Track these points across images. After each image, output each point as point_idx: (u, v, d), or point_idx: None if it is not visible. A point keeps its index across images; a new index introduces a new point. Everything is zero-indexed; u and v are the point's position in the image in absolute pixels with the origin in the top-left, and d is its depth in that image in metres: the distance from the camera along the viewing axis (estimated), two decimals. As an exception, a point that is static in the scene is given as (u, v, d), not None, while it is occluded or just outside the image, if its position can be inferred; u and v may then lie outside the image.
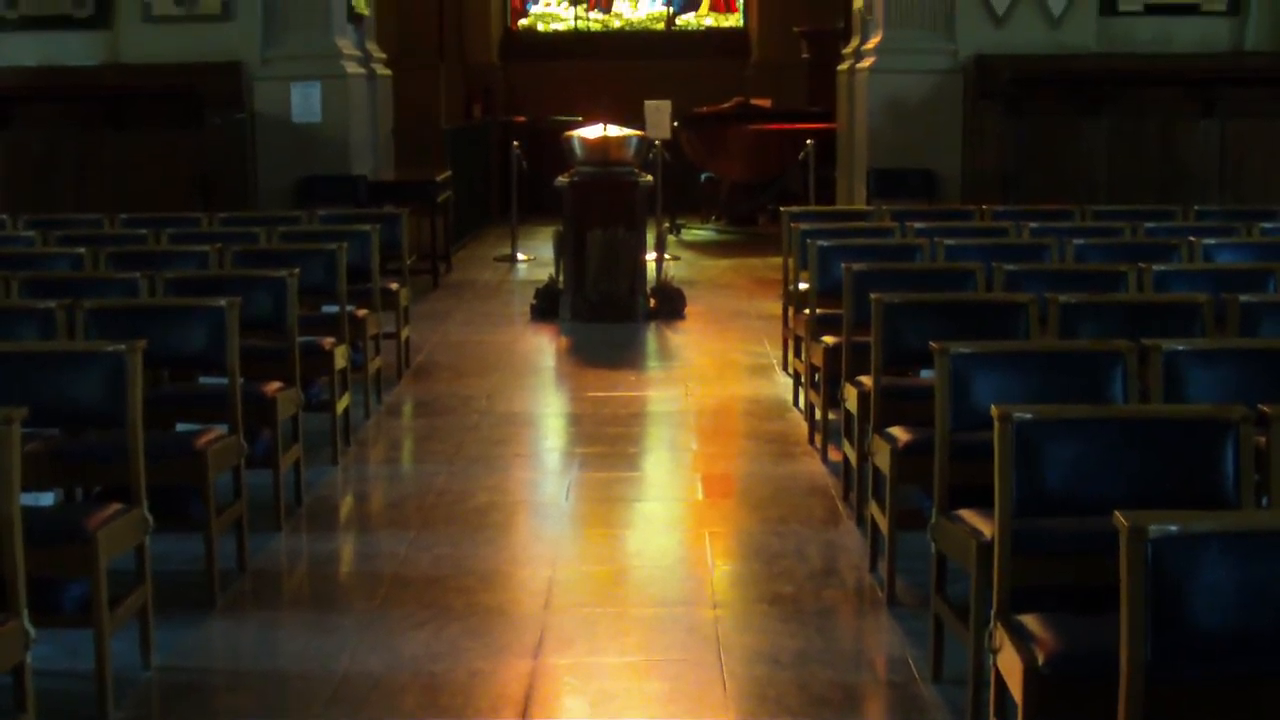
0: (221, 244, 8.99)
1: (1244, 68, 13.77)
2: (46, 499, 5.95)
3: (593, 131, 12.70)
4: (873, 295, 6.62)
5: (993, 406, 4.50)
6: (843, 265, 7.63)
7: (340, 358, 8.48)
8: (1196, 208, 10.95)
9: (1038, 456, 4.47)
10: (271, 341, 7.78)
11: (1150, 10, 13.96)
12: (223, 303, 6.72)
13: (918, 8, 13.89)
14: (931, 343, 5.42)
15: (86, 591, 5.17)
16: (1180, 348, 5.52)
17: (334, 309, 8.86)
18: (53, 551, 5.07)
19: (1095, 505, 4.39)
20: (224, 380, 6.79)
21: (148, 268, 8.04)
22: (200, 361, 7.00)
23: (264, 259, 8.70)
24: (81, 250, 8.86)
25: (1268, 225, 9.89)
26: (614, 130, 12.66)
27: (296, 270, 7.71)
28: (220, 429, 6.63)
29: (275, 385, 7.30)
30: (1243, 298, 6.67)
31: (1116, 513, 3.54)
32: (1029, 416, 4.47)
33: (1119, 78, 13.48)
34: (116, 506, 5.42)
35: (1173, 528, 3.50)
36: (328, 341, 8.37)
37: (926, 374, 6.57)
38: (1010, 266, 7.62)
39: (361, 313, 9.33)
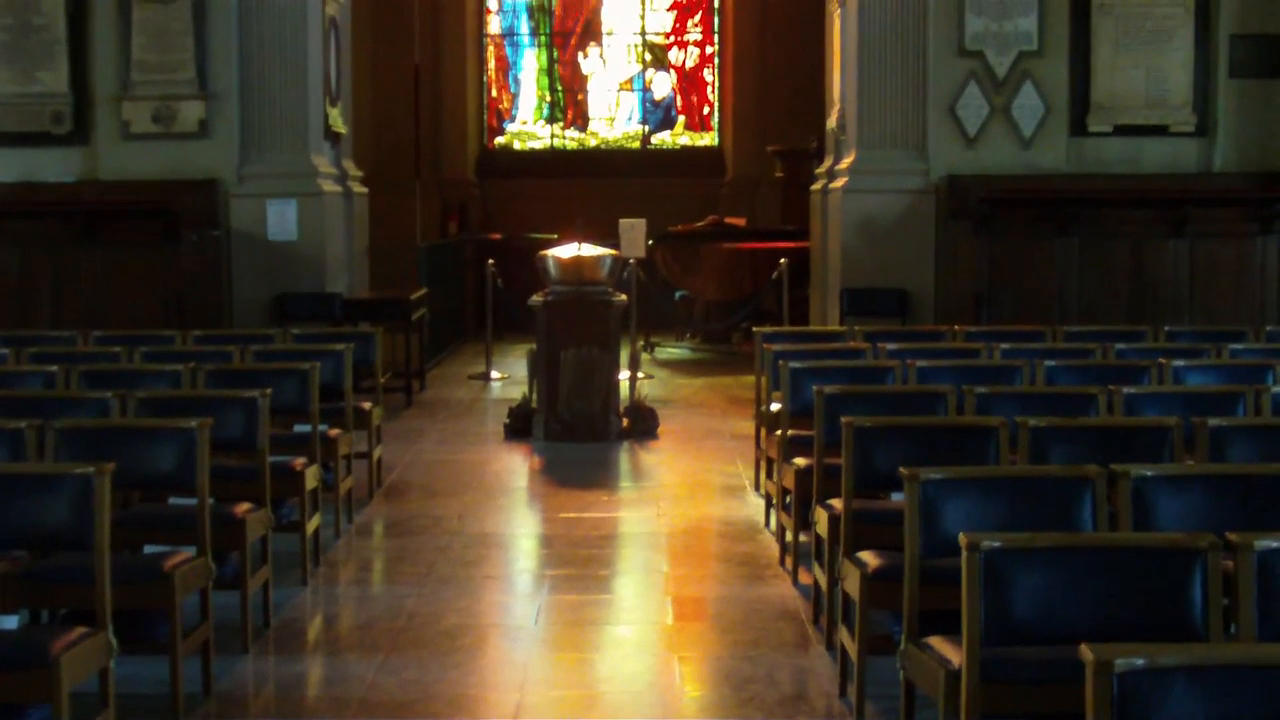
0: (195, 363, 8.99)
1: (1212, 188, 13.93)
2: (10, 622, 5.91)
3: (567, 251, 12.75)
4: (843, 419, 6.63)
5: (961, 535, 4.50)
6: (814, 388, 7.65)
7: (311, 478, 8.45)
8: (1167, 328, 11.04)
9: (1006, 585, 4.46)
10: (242, 461, 7.78)
11: (1120, 131, 14.11)
12: (193, 424, 6.71)
13: (890, 128, 14.04)
14: (901, 469, 5.42)
15: (48, 717, 5.12)
16: (1149, 473, 5.52)
17: (306, 428, 8.85)
18: (14, 676, 5.03)
19: (1064, 634, 4.39)
20: (193, 501, 6.77)
21: (120, 386, 8.05)
22: (170, 482, 6.97)
23: (237, 378, 8.70)
24: (54, 368, 8.86)
25: (1236, 346, 9.97)
26: (588, 250, 12.72)
27: (268, 391, 7.71)
28: (188, 551, 6.59)
29: (245, 506, 7.27)
30: (1211, 421, 6.70)
31: (1082, 645, 3.53)
32: (997, 545, 4.47)
33: (1089, 198, 13.62)
34: (81, 630, 5.38)
35: (1139, 661, 3.49)
36: (299, 462, 8.36)
37: (898, 497, 6.56)
38: (981, 389, 7.66)
39: (334, 432, 9.33)
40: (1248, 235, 13.64)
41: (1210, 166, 14.15)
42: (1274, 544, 4.46)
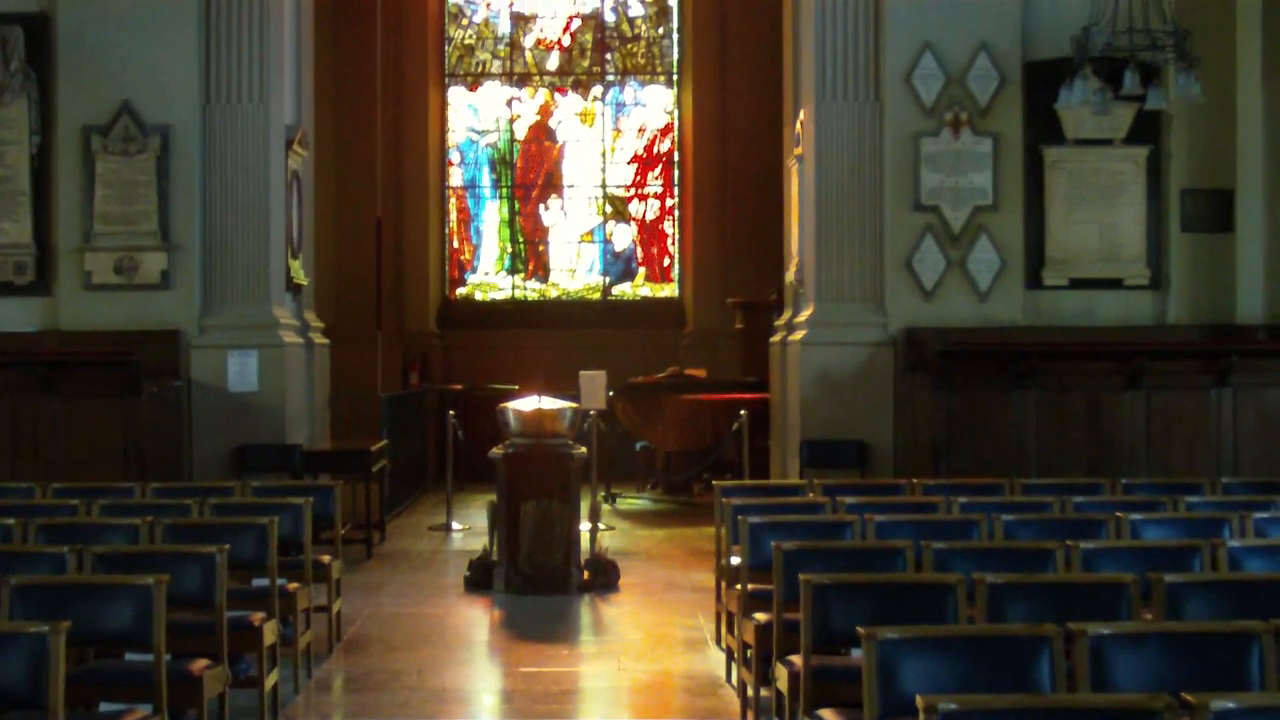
0: (153, 516, 8.99)
1: (1167, 341, 14.10)
2: (-37, 784, 5.85)
3: (527, 404, 12.80)
4: (802, 576, 6.65)
5: (918, 697, 4.51)
6: (773, 543, 7.68)
7: (269, 633, 8.41)
8: (1124, 480, 11.10)
9: (964, 747, 4.47)
10: (200, 617, 7.74)
11: (1075, 284, 14.30)
12: (150, 581, 6.69)
13: (848, 281, 14.18)
14: (859, 628, 5.44)
15: None
16: (1106, 631, 5.55)
17: (265, 583, 8.82)
18: (-34, 842, 4.98)
19: (1022, 796, 4.40)
20: (150, 657, 6.73)
21: (78, 540, 8.04)
22: (126, 639, 6.96)
23: (195, 533, 8.69)
24: (11, 521, 8.83)
25: (1193, 499, 10.03)
26: (548, 402, 12.76)
27: (226, 547, 7.70)
28: (145, 709, 6.55)
29: (202, 663, 7.24)
30: (1168, 578, 6.73)
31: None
32: (954, 707, 4.48)
33: (1046, 350, 13.74)
34: (34, 793, 5.33)
35: (1095, 826, 3.50)
36: (257, 617, 8.32)
37: (858, 653, 6.57)
38: (939, 544, 7.68)
39: (292, 586, 9.29)
40: (1202, 387, 13.76)
41: (1164, 319, 14.34)
42: (1230, 704, 4.49)
